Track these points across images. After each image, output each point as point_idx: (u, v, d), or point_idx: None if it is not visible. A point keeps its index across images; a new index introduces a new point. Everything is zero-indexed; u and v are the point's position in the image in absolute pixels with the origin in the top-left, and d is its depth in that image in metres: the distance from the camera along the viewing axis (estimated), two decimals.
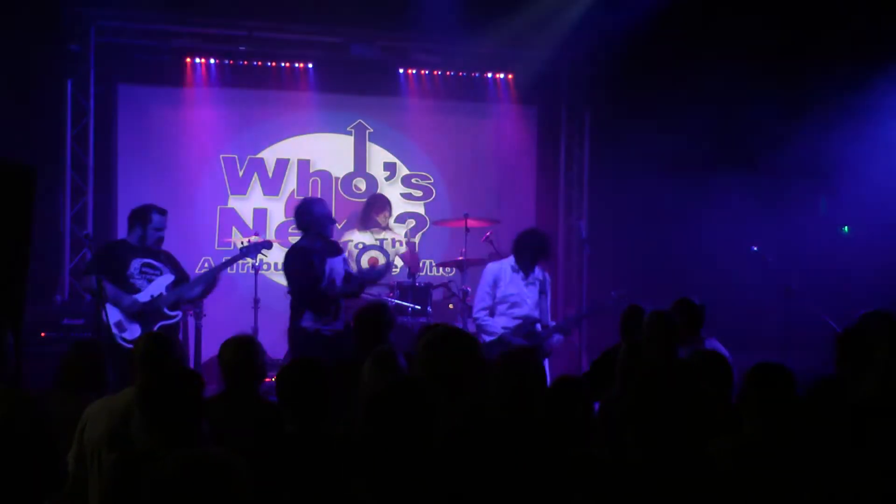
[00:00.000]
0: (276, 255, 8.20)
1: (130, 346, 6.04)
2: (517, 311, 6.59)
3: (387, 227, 8.60)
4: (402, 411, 2.50)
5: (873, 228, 8.63)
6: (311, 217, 6.51)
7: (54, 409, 3.80)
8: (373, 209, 8.60)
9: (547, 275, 6.85)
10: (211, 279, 6.57)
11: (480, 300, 6.67)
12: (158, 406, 3.11)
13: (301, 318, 6.26)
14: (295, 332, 6.29)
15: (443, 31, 8.83)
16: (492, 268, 6.78)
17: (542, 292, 6.70)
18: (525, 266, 6.63)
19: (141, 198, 6.88)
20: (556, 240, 9.82)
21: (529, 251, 6.63)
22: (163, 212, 6.51)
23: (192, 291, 6.53)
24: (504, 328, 6.54)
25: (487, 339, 6.54)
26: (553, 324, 6.85)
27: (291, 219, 9.40)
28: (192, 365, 6.84)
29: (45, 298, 7.70)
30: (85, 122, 8.60)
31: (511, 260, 6.69)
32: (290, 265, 6.44)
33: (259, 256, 7.13)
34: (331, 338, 6.13)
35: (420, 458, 2.40)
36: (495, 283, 6.62)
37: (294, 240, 9.34)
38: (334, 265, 6.44)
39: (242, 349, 3.95)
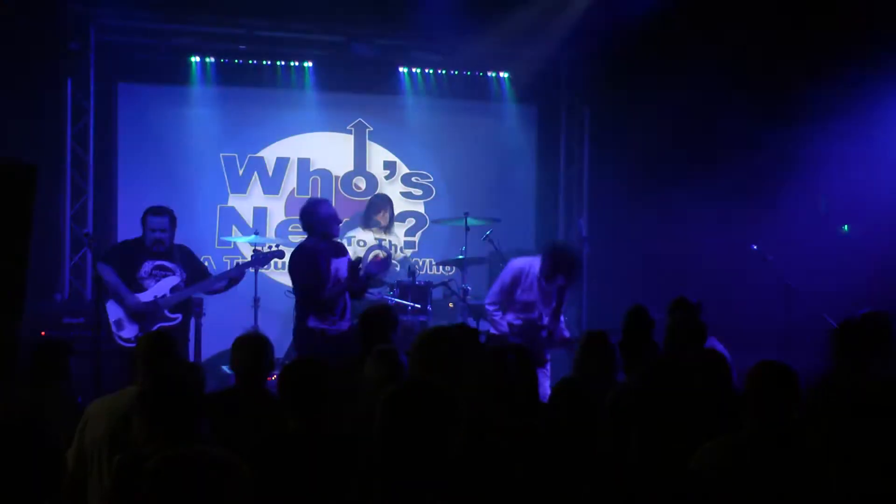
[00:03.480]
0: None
1: (127, 344, 6.12)
2: (527, 314, 6.52)
3: (387, 228, 8.60)
4: (417, 411, 2.48)
5: (872, 226, 8.63)
6: (317, 218, 6.41)
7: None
8: (372, 210, 8.63)
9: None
10: (237, 275, 6.79)
11: (494, 294, 6.58)
12: (158, 406, 3.11)
13: (306, 318, 6.21)
14: (300, 332, 6.27)
15: (443, 29, 8.82)
16: (516, 266, 6.57)
17: (558, 295, 6.51)
18: (548, 278, 6.43)
19: (141, 196, 6.88)
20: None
21: (557, 275, 6.38)
22: (159, 212, 6.53)
23: (216, 284, 6.72)
24: (510, 324, 6.52)
25: (493, 331, 6.58)
26: (566, 334, 6.67)
27: (292, 218, 9.48)
28: None
29: (45, 297, 7.71)
30: (85, 120, 8.60)
31: (538, 265, 6.47)
32: (295, 265, 6.38)
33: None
34: (335, 338, 6.05)
35: (435, 460, 2.38)
36: (514, 285, 6.49)
37: (295, 239, 9.43)
38: (339, 266, 6.38)
39: (254, 346, 4.09)
